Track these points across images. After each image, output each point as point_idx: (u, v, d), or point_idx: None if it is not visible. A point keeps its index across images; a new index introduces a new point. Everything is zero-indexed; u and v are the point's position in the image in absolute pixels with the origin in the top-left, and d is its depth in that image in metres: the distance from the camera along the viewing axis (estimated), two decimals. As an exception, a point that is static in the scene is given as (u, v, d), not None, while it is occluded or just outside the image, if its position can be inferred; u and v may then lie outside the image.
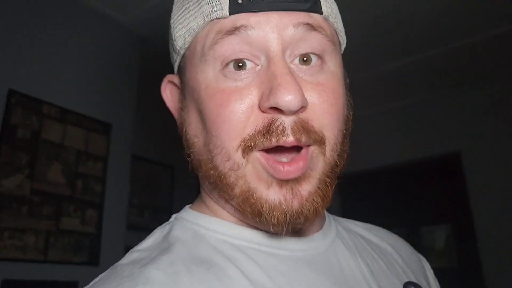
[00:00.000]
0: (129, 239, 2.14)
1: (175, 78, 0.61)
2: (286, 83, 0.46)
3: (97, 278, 0.49)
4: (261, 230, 0.54)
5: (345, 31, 0.60)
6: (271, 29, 0.49)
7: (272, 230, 0.49)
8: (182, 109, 0.57)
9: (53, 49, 2.20)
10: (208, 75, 0.51)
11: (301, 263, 0.52)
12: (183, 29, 0.54)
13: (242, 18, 0.49)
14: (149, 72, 2.89)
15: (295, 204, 0.47)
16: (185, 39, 0.54)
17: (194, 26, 0.52)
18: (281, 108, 0.46)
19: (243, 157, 0.48)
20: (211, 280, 0.46)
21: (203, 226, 0.55)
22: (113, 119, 2.40)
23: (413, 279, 0.62)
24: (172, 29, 0.57)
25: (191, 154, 0.56)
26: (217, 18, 0.50)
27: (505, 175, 3.25)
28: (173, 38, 0.57)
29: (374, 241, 0.67)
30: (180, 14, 0.56)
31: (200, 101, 0.52)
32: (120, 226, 2.35)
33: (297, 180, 0.48)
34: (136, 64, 2.68)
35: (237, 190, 0.50)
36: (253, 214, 0.49)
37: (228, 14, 0.49)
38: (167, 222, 0.58)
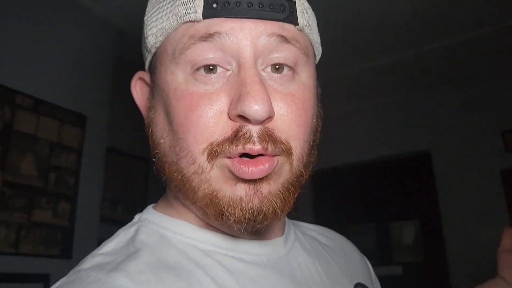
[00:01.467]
0: (102, 233, 2.13)
1: (145, 76, 0.60)
2: (254, 91, 0.46)
3: (57, 284, 0.48)
4: (227, 234, 0.54)
5: (319, 31, 0.59)
6: (244, 36, 0.48)
7: (235, 227, 0.49)
8: (150, 108, 0.56)
9: (27, 39, 2.16)
10: (178, 77, 0.50)
11: (267, 268, 0.53)
12: (155, 28, 0.53)
13: (216, 23, 0.49)
14: (125, 65, 2.86)
15: (256, 201, 0.47)
16: (156, 38, 0.53)
17: (166, 26, 0.51)
18: (247, 117, 0.46)
19: (208, 162, 0.48)
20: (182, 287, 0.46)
21: (170, 229, 0.54)
22: (88, 111, 2.37)
23: (362, 280, 0.65)
24: (145, 26, 0.56)
25: (156, 155, 0.54)
26: (190, 21, 0.49)
27: (473, 174, 3.37)
28: (145, 36, 0.55)
29: (326, 243, 0.69)
30: (154, 12, 0.55)
31: (168, 103, 0.51)
32: (93, 220, 2.33)
33: (260, 180, 0.48)
34: (112, 56, 2.64)
35: (200, 194, 0.49)
36: (216, 215, 0.48)
37: (201, 17, 0.49)
38: (130, 224, 0.57)
